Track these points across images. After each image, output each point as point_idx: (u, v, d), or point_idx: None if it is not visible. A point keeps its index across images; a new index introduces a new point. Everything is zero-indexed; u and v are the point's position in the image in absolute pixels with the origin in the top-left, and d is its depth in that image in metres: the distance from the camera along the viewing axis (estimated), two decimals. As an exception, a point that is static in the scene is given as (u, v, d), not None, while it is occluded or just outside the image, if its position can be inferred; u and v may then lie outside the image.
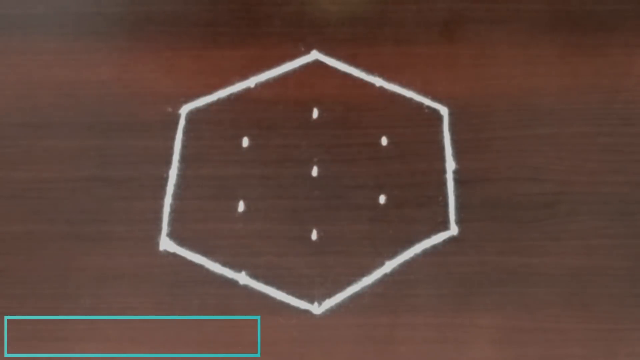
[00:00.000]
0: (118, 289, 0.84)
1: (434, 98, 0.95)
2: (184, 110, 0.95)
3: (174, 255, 0.86)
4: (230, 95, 0.96)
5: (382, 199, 0.89)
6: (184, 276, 0.84)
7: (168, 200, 0.89)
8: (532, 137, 0.92)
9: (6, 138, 0.94)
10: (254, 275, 0.84)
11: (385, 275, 0.84)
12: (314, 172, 0.91)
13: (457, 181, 0.89)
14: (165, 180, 0.90)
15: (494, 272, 0.84)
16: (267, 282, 0.84)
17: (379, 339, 0.81)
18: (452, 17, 1.01)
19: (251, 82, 0.97)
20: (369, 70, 0.98)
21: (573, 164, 0.90)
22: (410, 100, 0.95)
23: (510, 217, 0.87)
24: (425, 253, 0.85)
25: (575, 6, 1.01)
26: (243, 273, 0.84)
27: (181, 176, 0.91)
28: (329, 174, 0.90)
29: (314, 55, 0.99)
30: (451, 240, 0.86)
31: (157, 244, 0.86)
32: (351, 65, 0.98)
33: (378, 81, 0.97)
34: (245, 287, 0.83)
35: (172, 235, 0.87)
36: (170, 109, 0.95)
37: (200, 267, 0.85)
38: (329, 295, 0.83)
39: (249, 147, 0.93)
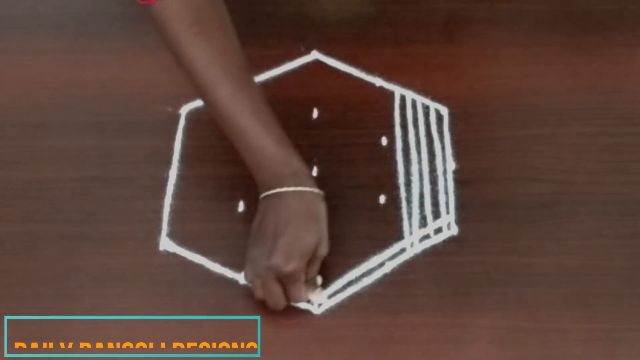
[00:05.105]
0: (118, 289, 0.84)
1: (434, 98, 0.95)
2: (184, 110, 0.95)
3: (174, 255, 0.86)
4: (231, 95, 0.96)
5: (382, 199, 0.89)
6: (184, 276, 0.84)
7: (168, 200, 0.89)
8: (532, 137, 0.92)
9: (6, 138, 0.94)
10: (254, 275, 0.84)
11: (385, 275, 0.84)
12: (314, 172, 0.90)
13: (457, 181, 0.89)
14: (165, 180, 0.90)
15: (494, 272, 0.84)
16: (267, 282, 0.84)
17: (379, 339, 0.81)
18: (452, 17, 1.01)
19: (251, 82, 0.97)
20: (369, 70, 0.98)
21: (573, 164, 0.90)
22: (409, 100, 0.95)
23: (510, 217, 0.87)
24: (425, 253, 0.85)
25: (575, 6, 1.01)
26: (243, 273, 0.84)
27: (181, 176, 0.91)
28: (329, 174, 0.90)
29: (314, 55, 0.99)
30: (451, 240, 0.86)
31: (157, 244, 0.86)
32: (351, 65, 0.98)
33: (378, 81, 0.97)
34: (246, 287, 0.83)
35: (172, 235, 0.87)
36: (170, 109, 0.95)
37: (200, 267, 0.85)
38: (329, 295, 0.83)
39: (249, 147, 0.92)
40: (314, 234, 0.78)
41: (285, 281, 0.78)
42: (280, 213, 0.78)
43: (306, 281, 0.79)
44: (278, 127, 0.80)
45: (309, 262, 0.78)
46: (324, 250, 0.79)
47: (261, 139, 0.79)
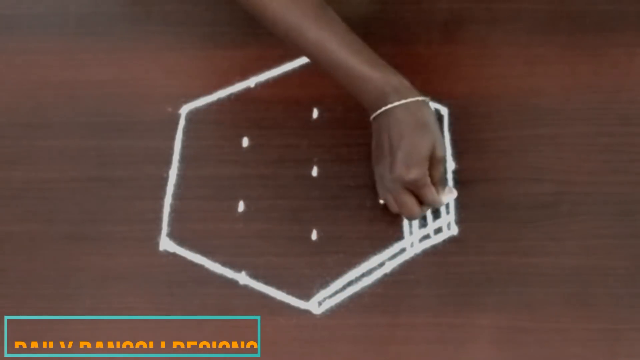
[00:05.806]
0: (118, 289, 0.84)
1: (434, 98, 0.95)
2: (184, 110, 0.95)
3: (174, 255, 0.86)
4: (230, 95, 0.96)
5: (382, 199, 0.89)
6: (184, 276, 0.84)
7: (168, 200, 0.89)
8: (532, 137, 0.92)
9: (6, 138, 0.94)
10: (254, 275, 0.84)
11: (385, 275, 0.84)
12: (314, 172, 0.91)
13: (457, 181, 0.89)
14: (165, 180, 0.90)
15: (494, 272, 0.84)
16: (267, 282, 0.84)
17: (379, 339, 0.81)
18: (452, 17, 1.01)
19: (251, 82, 0.97)
20: (369, 70, 0.98)
21: (573, 164, 0.90)
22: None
23: (510, 217, 0.87)
24: (425, 253, 0.85)
25: (575, 6, 1.01)
26: (243, 273, 0.84)
27: (181, 176, 0.91)
28: (329, 174, 0.90)
29: (314, 55, 0.98)
30: (451, 240, 0.86)
31: (157, 244, 0.86)
32: (351, 65, 0.98)
33: (378, 81, 0.97)
34: (245, 287, 0.83)
35: (172, 235, 0.87)
36: (170, 109, 0.95)
37: (200, 267, 0.85)
38: (329, 295, 0.83)
39: (249, 147, 0.93)
40: (427, 140, 0.81)
41: (413, 189, 0.83)
42: (392, 129, 0.82)
43: (434, 184, 0.84)
44: (368, 51, 0.83)
45: (431, 166, 0.82)
46: (440, 151, 0.82)
47: (357, 67, 0.82)
